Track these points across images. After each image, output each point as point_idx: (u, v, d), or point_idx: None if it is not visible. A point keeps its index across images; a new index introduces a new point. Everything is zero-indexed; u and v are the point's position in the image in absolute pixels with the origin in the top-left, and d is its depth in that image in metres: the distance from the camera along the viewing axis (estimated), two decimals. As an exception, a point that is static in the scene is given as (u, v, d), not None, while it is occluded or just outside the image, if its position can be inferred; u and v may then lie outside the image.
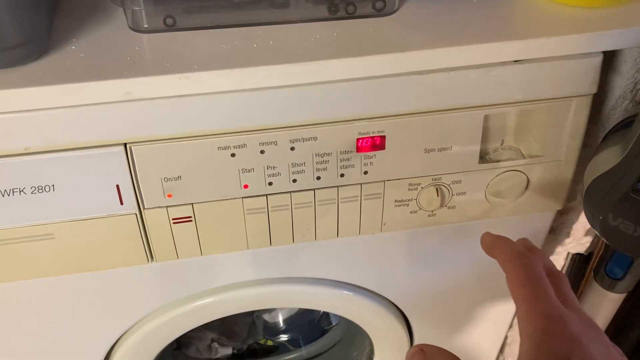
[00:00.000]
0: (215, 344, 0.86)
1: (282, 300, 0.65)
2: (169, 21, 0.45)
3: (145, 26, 0.45)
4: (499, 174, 0.52)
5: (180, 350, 0.83)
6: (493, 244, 0.43)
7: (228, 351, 0.87)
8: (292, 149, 0.46)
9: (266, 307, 0.66)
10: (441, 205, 0.52)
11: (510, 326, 0.78)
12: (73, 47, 0.43)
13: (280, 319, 0.89)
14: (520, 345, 0.34)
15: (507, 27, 0.46)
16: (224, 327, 0.85)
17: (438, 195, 0.51)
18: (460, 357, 0.36)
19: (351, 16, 0.46)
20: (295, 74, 0.42)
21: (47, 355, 0.59)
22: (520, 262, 0.38)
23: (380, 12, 0.47)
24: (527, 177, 0.52)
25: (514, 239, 0.58)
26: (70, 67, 0.41)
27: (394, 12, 0.47)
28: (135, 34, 0.45)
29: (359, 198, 0.50)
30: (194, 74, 0.41)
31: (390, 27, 0.46)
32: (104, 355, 0.62)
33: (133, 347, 0.61)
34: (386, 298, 0.65)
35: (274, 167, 0.47)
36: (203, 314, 0.61)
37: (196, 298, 0.58)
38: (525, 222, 0.59)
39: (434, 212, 0.53)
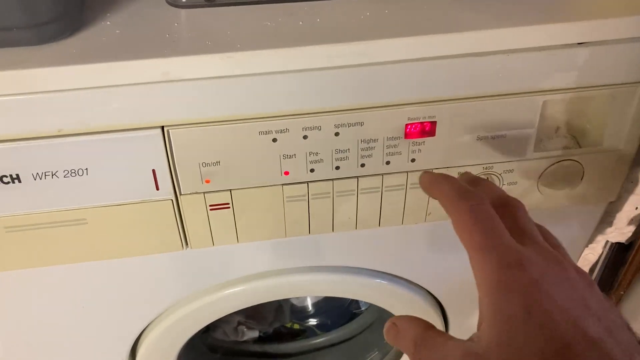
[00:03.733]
0: (242, 327, 0.85)
1: (315, 288, 0.63)
2: (209, -5, 0.42)
3: (184, 1, 0.42)
4: (553, 164, 0.49)
5: (207, 333, 0.82)
6: (431, 184, 0.36)
7: (255, 334, 0.86)
8: (337, 134, 0.43)
9: (299, 295, 0.64)
10: (490, 196, 0.49)
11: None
12: (108, 23, 0.41)
13: (309, 303, 0.87)
14: (479, 301, 0.30)
15: (570, 7, 0.43)
16: (251, 310, 0.83)
17: (489, 185, 0.48)
18: (431, 322, 0.32)
19: (403, -8, 0.43)
20: (344, 54, 0.39)
21: (77, 339, 0.58)
22: (465, 203, 0.32)
23: (434, -12, 0.43)
24: (583, 167, 0.49)
25: (563, 231, 0.56)
26: (106, 45, 0.39)
27: (449, -12, 0.44)
28: (173, 9, 0.43)
29: (405, 187, 0.47)
30: (238, 53, 0.38)
31: (445, 5, 0.43)
32: (133, 340, 0.61)
33: (163, 333, 0.59)
34: (421, 286, 0.63)
35: (316, 153, 0.44)
36: (236, 302, 0.59)
37: (229, 285, 0.57)
38: (576, 213, 0.56)
39: (482, 202, 0.50)
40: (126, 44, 0.39)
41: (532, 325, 0.27)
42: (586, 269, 0.68)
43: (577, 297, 0.29)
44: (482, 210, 0.32)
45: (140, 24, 0.41)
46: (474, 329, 0.32)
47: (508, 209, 0.34)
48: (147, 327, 0.60)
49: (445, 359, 0.29)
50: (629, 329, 0.30)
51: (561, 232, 0.58)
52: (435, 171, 0.47)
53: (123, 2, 0.43)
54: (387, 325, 0.34)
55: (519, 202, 0.35)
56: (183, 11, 0.42)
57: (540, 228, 0.35)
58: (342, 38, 0.39)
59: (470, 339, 0.30)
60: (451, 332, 0.69)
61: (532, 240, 0.32)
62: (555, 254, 0.32)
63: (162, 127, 0.41)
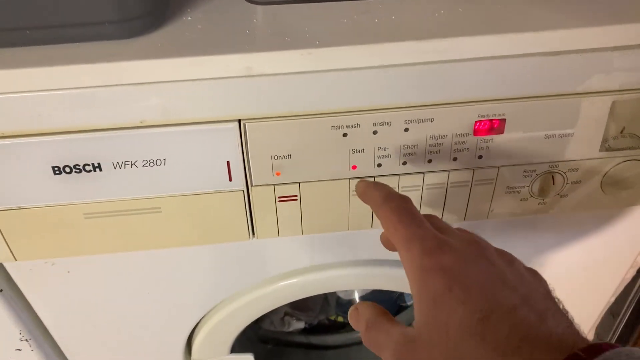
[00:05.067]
0: (289, 318, 0.86)
1: (366, 282, 0.64)
2: (286, -7, 0.43)
3: (261, -2, 0.43)
4: (618, 164, 0.49)
5: (257, 324, 0.83)
6: (363, 192, 0.40)
7: (300, 325, 0.87)
8: (406, 130, 0.44)
9: (353, 288, 0.65)
10: (554, 194, 0.49)
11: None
12: (189, 18, 0.42)
13: (356, 296, 0.88)
14: (411, 290, 0.32)
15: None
16: (298, 301, 0.85)
17: (554, 184, 0.48)
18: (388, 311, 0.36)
19: (476, -9, 0.44)
20: (423, 51, 0.40)
21: (138, 326, 0.60)
22: (389, 204, 0.36)
23: (507, -13, 0.44)
24: (648, 168, 0.49)
25: (624, 232, 0.56)
26: (189, 40, 0.40)
27: (521, -13, 0.44)
28: (250, 5, 0.44)
29: (470, 183, 0.48)
30: (317, 50, 0.39)
31: (518, 3, 0.43)
32: (190, 329, 0.63)
33: (219, 324, 0.61)
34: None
35: (385, 149, 0.45)
36: (291, 293, 0.60)
37: (287, 277, 0.58)
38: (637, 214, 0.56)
39: (544, 201, 0.50)
40: (208, 39, 0.40)
41: (454, 301, 0.30)
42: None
43: (495, 272, 0.32)
44: (405, 207, 0.36)
45: (220, 20, 0.42)
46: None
47: (426, 216, 0.37)
48: (204, 317, 0.62)
49: (386, 340, 0.33)
50: (550, 295, 0.33)
51: (622, 233, 0.59)
52: (501, 168, 0.47)
53: (203, -1, 0.44)
54: (350, 309, 0.38)
55: (435, 215, 0.40)
56: (260, 8, 0.43)
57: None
58: (420, 36, 0.40)
59: (412, 325, 0.32)
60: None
61: (450, 230, 0.36)
62: (474, 235, 0.35)
63: (239, 121, 0.42)
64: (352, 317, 0.38)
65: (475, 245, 0.34)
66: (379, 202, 0.37)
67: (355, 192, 0.48)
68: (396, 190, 0.47)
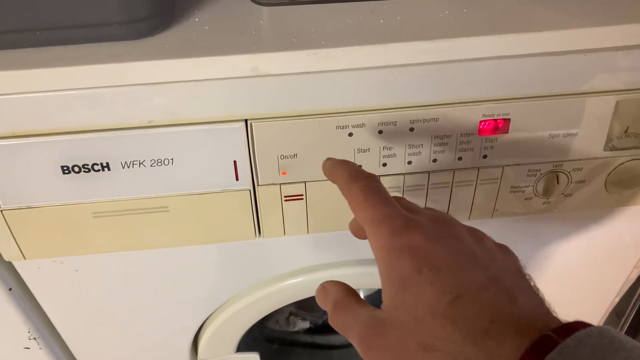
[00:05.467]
0: (294, 317, 0.86)
1: (372, 281, 0.64)
2: (292, -6, 0.43)
3: (267, -1, 0.44)
4: (622, 163, 0.49)
5: (262, 323, 0.84)
6: (330, 170, 0.39)
7: (305, 325, 0.88)
8: (411, 129, 0.45)
9: (355, 287, 0.65)
10: (558, 193, 0.50)
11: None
12: (196, 19, 0.43)
13: (361, 295, 0.88)
14: (379, 271, 0.31)
15: (647, 5, 0.43)
16: (303, 301, 0.86)
17: (558, 183, 0.48)
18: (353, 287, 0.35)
19: (480, -9, 0.44)
20: (427, 52, 0.40)
21: (145, 325, 0.61)
22: (357, 184, 0.35)
23: (511, -12, 0.44)
24: (652, 167, 0.49)
25: (629, 231, 0.56)
26: (196, 40, 0.40)
27: (525, -13, 0.45)
28: (256, 6, 0.44)
29: (475, 182, 0.48)
30: (323, 50, 0.39)
31: (522, 3, 0.44)
32: (197, 328, 0.63)
33: (225, 323, 0.61)
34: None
35: (390, 148, 0.46)
36: (296, 292, 0.61)
37: (293, 276, 0.58)
38: (642, 213, 0.56)
39: (549, 200, 0.50)
40: (215, 40, 0.40)
41: (423, 283, 0.29)
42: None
43: (465, 251, 0.31)
44: (372, 187, 0.34)
45: (227, 21, 0.42)
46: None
47: (394, 197, 0.36)
48: (210, 316, 0.62)
49: (353, 322, 0.32)
50: (521, 273, 0.32)
51: (626, 232, 0.59)
52: (506, 168, 0.48)
53: (209, 0, 0.45)
54: (318, 287, 0.36)
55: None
56: (266, 9, 0.44)
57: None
58: (424, 36, 0.40)
59: (380, 308, 0.31)
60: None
61: (419, 210, 0.35)
62: (443, 214, 0.34)
63: (246, 121, 0.43)
64: (319, 296, 0.36)
65: (445, 223, 0.33)
66: (346, 181, 0.36)
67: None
68: (401, 189, 0.48)
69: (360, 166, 0.45)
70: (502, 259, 0.33)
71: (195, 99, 0.41)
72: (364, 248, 0.56)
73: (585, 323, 0.26)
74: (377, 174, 0.46)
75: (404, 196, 0.49)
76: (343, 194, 0.36)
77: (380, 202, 0.33)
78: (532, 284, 0.31)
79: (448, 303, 0.28)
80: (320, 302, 0.36)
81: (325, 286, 0.35)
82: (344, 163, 0.38)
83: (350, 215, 0.49)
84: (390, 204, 0.33)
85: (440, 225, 0.33)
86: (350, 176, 0.36)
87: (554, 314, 0.29)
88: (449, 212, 0.50)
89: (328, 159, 0.40)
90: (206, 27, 0.42)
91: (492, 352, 0.26)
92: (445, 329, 0.27)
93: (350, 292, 0.34)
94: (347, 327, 0.32)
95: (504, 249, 0.34)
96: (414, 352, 0.28)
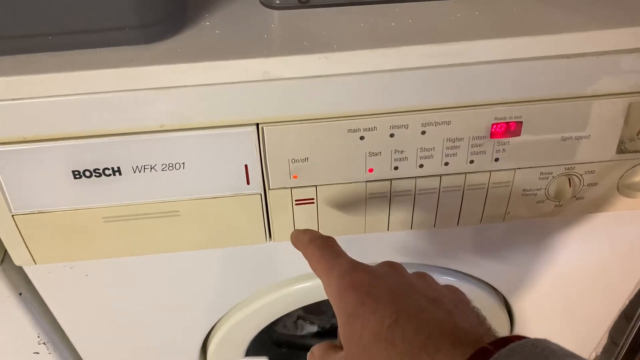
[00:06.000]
0: (302, 321, 0.86)
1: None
2: (303, -3, 0.43)
3: (278, 2, 0.44)
4: (635, 165, 0.49)
5: (271, 327, 0.84)
6: (295, 239, 0.42)
7: (313, 329, 0.87)
8: (423, 132, 0.44)
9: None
10: (571, 196, 0.49)
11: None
12: (207, 23, 0.43)
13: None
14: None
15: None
16: (311, 304, 0.85)
17: (570, 186, 0.48)
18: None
19: (492, -6, 0.44)
20: (438, 55, 0.40)
21: (155, 328, 0.61)
22: (315, 243, 0.39)
23: (523, -10, 0.44)
24: (665, 170, 0.49)
25: (635, 238, 0.56)
26: (208, 44, 0.40)
27: (537, -11, 0.44)
28: (268, 10, 0.44)
29: (486, 186, 0.48)
30: (335, 54, 0.39)
31: (534, 6, 0.44)
32: (206, 332, 0.63)
33: (233, 327, 0.61)
34: (489, 284, 0.63)
35: (401, 152, 0.45)
36: (305, 297, 0.60)
37: (302, 280, 0.58)
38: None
39: (560, 203, 0.50)
40: (227, 44, 0.40)
41: (366, 312, 0.31)
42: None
43: (404, 282, 0.34)
44: (327, 244, 0.39)
45: (238, 25, 0.42)
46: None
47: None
48: (219, 320, 0.62)
49: None
50: (464, 302, 0.33)
51: (637, 236, 0.59)
52: (517, 171, 0.47)
53: (220, 4, 0.45)
54: (308, 355, 0.40)
55: None
56: (277, 12, 0.44)
57: None
58: (436, 39, 0.40)
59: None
60: (516, 327, 0.69)
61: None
62: (385, 263, 0.37)
63: (257, 124, 0.43)
64: None
65: (388, 265, 0.37)
66: (305, 242, 0.40)
67: (373, 197, 0.48)
68: (413, 193, 0.48)
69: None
70: (446, 291, 0.35)
71: (207, 103, 0.41)
72: (374, 252, 0.56)
73: (522, 336, 0.27)
74: (388, 178, 0.46)
75: (415, 200, 0.48)
76: (303, 254, 0.40)
77: (331, 255, 0.37)
78: (475, 309, 0.33)
79: (388, 326, 0.30)
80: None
81: (313, 350, 0.39)
82: (305, 230, 0.42)
83: (360, 218, 0.49)
84: (341, 255, 0.37)
85: (384, 266, 0.37)
86: (308, 239, 0.40)
87: (494, 331, 0.30)
88: (460, 215, 0.50)
89: (295, 230, 0.44)
90: (217, 31, 0.42)
91: None
92: (386, 351, 0.29)
93: (330, 347, 0.38)
94: None
95: (450, 287, 0.36)
96: None
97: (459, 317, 0.30)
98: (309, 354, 0.40)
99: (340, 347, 0.35)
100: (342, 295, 0.33)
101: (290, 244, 0.52)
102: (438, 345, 0.28)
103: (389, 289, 0.32)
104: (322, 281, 0.36)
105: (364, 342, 0.31)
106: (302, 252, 0.41)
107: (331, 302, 0.35)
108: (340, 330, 0.33)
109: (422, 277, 0.36)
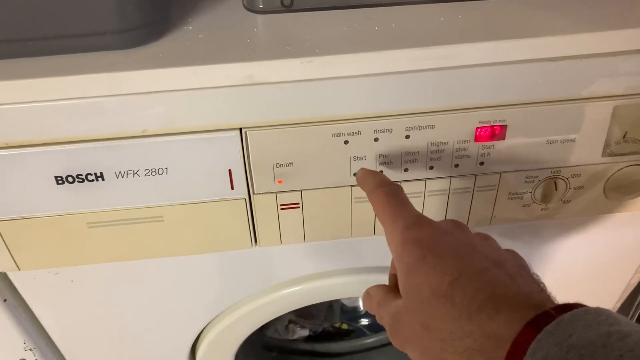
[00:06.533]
0: (293, 325, 0.86)
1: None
2: (287, 1, 0.43)
3: (261, 6, 0.44)
4: (621, 169, 0.49)
5: (261, 331, 0.83)
6: (361, 179, 0.42)
7: (305, 333, 0.87)
8: (407, 137, 0.44)
9: (356, 295, 0.65)
10: (557, 199, 0.49)
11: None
12: (190, 28, 0.42)
13: (361, 303, 0.88)
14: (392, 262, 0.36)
15: (644, 10, 0.43)
16: (302, 309, 0.85)
17: (557, 189, 0.48)
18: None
19: (475, -3, 0.44)
20: (423, 58, 0.40)
21: (142, 334, 0.60)
22: (382, 188, 0.39)
23: (506, -6, 0.44)
24: (651, 173, 0.49)
25: (625, 240, 0.56)
26: (190, 49, 0.40)
27: (521, -7, 0.44)
28: (251, 14, 0.44)
29: (472, 189, 0.48)
30: (317, 58, 0.39)
31: (517, 9, 0.44)
32: (195, 337, 0.63)
33: (222, 332, 0.61)
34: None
35: (386, 156, 0.45)
36: (294, 301, 0.60)
37: (291, 284, 0.58)
38: (641, 219, 0.55)
39: (547, 207, 0.50)
40: (209, 48, 0.40)
41: (427, 267, 0.32)
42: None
43: (468, 241, 0.34)
44: (394, 192, 0.38)
45: (221, 29, 0.42)
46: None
47: None
48: (207, 324, 0.62)
49: (385, 315, 0.36)
50: (525, 267, 0.34)
51: (627, 238, 0.58)
52: (503, 174, 0.47)
53: (203, 8, 0.44)
54: (363, 294, 0.40)
55: None
56: (260, 17, 0.44)
57: None
58: (420, 43, 0.40)
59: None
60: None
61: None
62: (453, 219, 0.37)
63: (240, 129, 0.42)
64: (365, 302, 0.39)
65: (453, 222, 0.36)
66: (372, 186, 0.40)
67: (358, 201, 0.48)
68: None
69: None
70: (507, 255, 0.35)
71: (190, 108, 0.40)
72: (362, 256, 0.56)
73: (584, 305, 0.27)
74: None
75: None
76: (368, 197, 0.40)
77: (398, 204, 0.37)
78: (535, 277, 0.32)
79: (449, 284, 0.30)
80: (366, 306, 0.39)
81: (369, 291, 0.39)
82: (373, 173, 0.42)
83: (346, 222, 0.49)
84: (407, 206, 0.37)
85: (448, 222, 0.36)
86: (376, 183, 0.40)
87: (554, 299, 0.30)
88: (445, 218, 0.50)
89: (362, 168, 0.44)
90: (200, 36, 0.41)
91: (484, 326, 0.28)
92: (445, 307, 0.29)
93: (390, 289, 0.38)
94: (383, 319, 0.36)
95: (510, 250, 0.36)
96: (418, 332, 0.31)
97: (520, 281, 0.30)
98: (364, 293, 0.40)
99: (397, 294, 0.35)
100: (406, 246, 0.33)
101: (277, 249, 0.52)
102: (498, 306, 0.28)
103: (453, 247, 0.32)
104: (385, 228, 0.37)
105: (422, 296, 0.31)
106: (367, 194, 0.40)
107: (392, 251, 0.35)
108: (400, 282, 0.33)
109: (486, 239, 0.36)
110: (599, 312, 0.26)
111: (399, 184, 0.47)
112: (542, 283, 0.32)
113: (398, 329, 0.33)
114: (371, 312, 0.39)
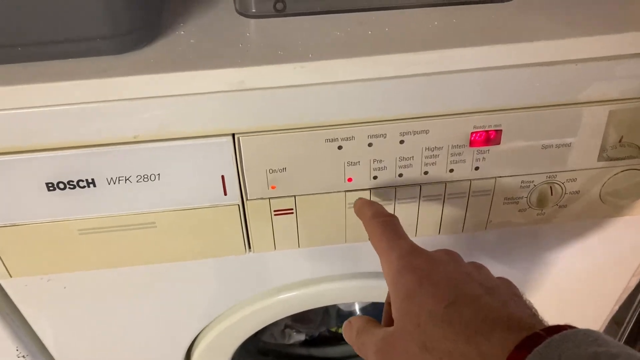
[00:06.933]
0: (289, 330, 0.85)
1: (366, 295, 0.63)
2: (279, 6, 0.43)
3: (254, 11, 0.43)
4: (617, 173, 0.48)
5: (257, 336, 0.83)
6: (359, 209, 0.44)
7: (301, 337, 0.87)
8: (402, 142, 0.44)
9: (353, 300, 0.64)
10: (553, 204, 0.49)
11: (599, 327, 0.75)
12: (182, 32, 0.42)
13: (357, 308, 0.87)
14: (390, 293, 0.36)
15: (638, 14, 0.43)
16: (298, 313, 0.85)
17: (552, 194, 0.48)
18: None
19: (469, 1, 0.44)
20: (416, 63, 0.39)
21: (136, 340, 0.60)
22: (378, 219, 0.40)
23: (501, -2, 0.44)
24: (647, 177, 0.49)
25: (623, 243, 0.56)
26: (182, 54, 0.40)
27: (515, -3, 0.44)
28: (243, 19, 0.44)
29: (467, 194, 0.47)
30: (310, 63, 0.39)
31: (512, 14, 0.43)
32: (189, 343, 0.62)
33: (217, 337, 0.60)
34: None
35: (380, 161, 0.45)
36: (290, 307, 0.60)
37: (287, 290, 0.58)
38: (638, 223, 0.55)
39: (543, 211, 0.50)
40: (201, 54, 0.40)
41: (424, 294, 0.33)
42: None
43: (462, 271, 0.35)
44: (389, 223, 0.40)
45: (213, 34, 0.42)
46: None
47: None
48: (202, 330, 0.62)
49: (370, 340, 0.36)
50: (517, 294, 0.35)
51: (625, 241, 0.58)
52: (498, 179, 0.47)
53: (195, 13, 0.44)
54: (345, 324, 0.41)
55: None
56: (253, 21, 0.43)
57: None
58: (412, 47, 0.39)
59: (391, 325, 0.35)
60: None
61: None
62: (445, 249, 0.39)
63: (233, 135, 0.42)
64: (346, 331, 0.40)
65: (446, 252, 0.38)
66: (369, 216, 0.41)
67: (352, 206, 0.47)
68: (393, 202, 0.47)
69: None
70: (500, 282, 0.36)
71: (181, 114, 0.40)
72: (357, 262, 0.56)
73: (573, 326, 0.28)
74: (368, 187, 0.46)
75: (395, 210, 0.48)
76: (365, 227, 0.42)
77: (394, 235, 0.38)
78: (527, 302, 0.34)
79: (445, 307, 0.31)
80: (346, 336, 0.40)
81: (351, 321, 0.40)
82: (370, 203, 0.44)
83: (341, 227, 0.49)
84: (402, 237, 0.38)
85: (442, 253, 0.38)
86: (373, 213, 0.41)
87: (546, 323, 0.30)
88: (441, 224, 0.50)
89: (359, 199, 0.46)
90: (192, 41, 0.41)
91: (481, 347, 0.29)
92: (442, 330, 0.31)
93: (370, 320, 0.39)
94: (366, 346, 0.36)
95: (505, 280, 0.37)
96: (416, 354, 0.31)
97: (513, 307, 0.32)
98: (346, 323, 0.41)
99: (379, 324, 0.37)
100: (400, 274, 0.35)
101: (271, 255, 0.52)
102: (493, 328, 0.29)
103: (447, 275, 0.34)
104: (381, 258, 0.38)
105: (420, 319, 0.32)
106: (364, 224, 0.42)
107: (387, 281, 0.36)
108: (395, 309, 0.34)
109: (479, 268, 0.37)
110: (587, 333, 0.27)
111: (394, 187, 0.47)
112: (534, 308, 0.33)
113: (390, 351, 0.34)
114: (349, 342, 0.39)
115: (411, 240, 0.38)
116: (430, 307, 0.32)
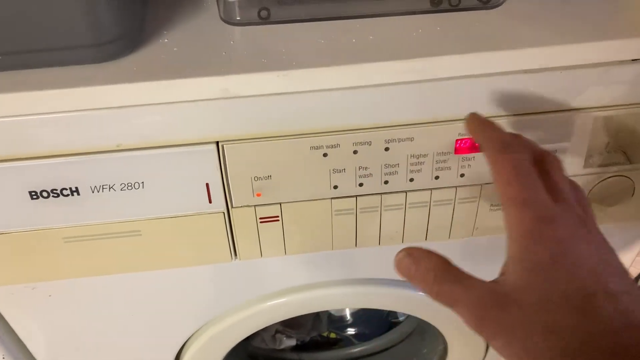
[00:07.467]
0: (280, 335, 0.85)
1: (355, 301, 0.63)
2: (264, 13, 0.43)
3: (238, 18, 0.43)
4: (604, 179, 0.48)
5: (247, 341, 0.83)
6: (478, 129, 0.38)
7: (292, 342, 0.86)
8: (387, 149, 0.44)
9: (341, 307, 0.64)
10: (539, 211, 0.49)
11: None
12: (166, 40, 0.42)
13: (347, 313, 0.87)
14: (507, 249, 0.32)
15: (624, 23, 0.43)
16: (289, 318, 0.85)
17: (538, 201, 0.48)
18: (450, 259, 0.33)
19: (455, 8, 0.44)
20: (401, 71, 0.39)
21: (124, 348, 0.60)
22: (508, 156, 0.34)
23: (486, 5, 0.44)
24: (633, 183, 0.49)
25: (614, 248, 0.55)
26: (165, 62, 0.40)
27: (500, 4, 0.44)
28: (227, 26, 0.43)
29: (453, 201, 0.47)
30: (293, 71, 0.39)
31: (498, 21, 0.43)
32: (178, 349, 0.62)
33: (206, 344, 0.60)
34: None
35: (366, 168, 0.45)
36: (279, 313, 0.60)
37: (273, 297, 0.57)
38: (625, 229, 0.55)
39: (530, 218, 0.49)
40: (184, 62, 0.39)
41: (559, 273, 0.29)
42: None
43: (601, 257, 0.31)
44: (523, 165, 0.33)
45: (197, 42, 0.42)
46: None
47: (545, 165, 0.35)
48: (191, 336, 0.61)
49: (465, 291, 0.31)
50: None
51: (619, 245, 0.58)
52: (484, 186, 0.47)
53: (179, 21, 0.44)
54: (399, 255, 0.34)
55: (555, 157, 0.37)
56: (237, 29, 0.43)
57: (572, 184, 0.37)
58: (396, 55, 0.39)
59: (495, 282, 0.32)
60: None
61: (563, 198, 0.34)
62: (584, 217, 0.34)
63: (217, 143, 0.42)
64: (402, 265, 0.34)
65: (586, 227, 0.33)
66: (498, 149, 0.35)
67: (339, 214, 0.47)
68: (379, 209, 0.47)
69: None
70: (629, 277, 0.32)
71: (165, 122, 0.40)
72: (347, 268, 0.56)
73: None
74: (354, 194, 0.46)
75: (382, 217, 0.48)
76: (488, 159, 0.35)
77: (528, 184, 0.33)
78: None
79: (582, 298, 0.29)
80: (405, 272, 0.34)
81: (413, 253, 0.34)
82: (494, 126, 0.37)
83: (327, 235, 0.49)
84: (538, 189, 0.33)
85: (582, 226, 0.33)
86: (502, 145, 0.35)
87: None
88: (428, 230, 0.49)
89: (473, 114, 0.38)
90: (175, 49, 0.41)
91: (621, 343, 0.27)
92: (578, 320, 0.28)
93: (449, 261, 0.33)
94: (456, 297, 0.31)
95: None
96: (536, 331, 0.29)
97: None
98: (402, 255, 0.34)
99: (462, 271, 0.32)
100: (533, 241, 0.31)
101: (260, 261, 0.51)
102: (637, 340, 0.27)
103: (587, 260, 0.30)
104: (507, 205, 0.33)
105: (551, 300, 0.29)
106: (487, 156, 0.35)
107: (510, 236, 0.32)
108: (515, 273, 0.31)
109: (612, 252, 0.33)
110: None
111: (380, 194, 0.47)
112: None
113: (499, 315, 0.30)
114: (407, 277, 0.34)
115: (546, 195, 0.32)
116: (567, 291, 0.29)
